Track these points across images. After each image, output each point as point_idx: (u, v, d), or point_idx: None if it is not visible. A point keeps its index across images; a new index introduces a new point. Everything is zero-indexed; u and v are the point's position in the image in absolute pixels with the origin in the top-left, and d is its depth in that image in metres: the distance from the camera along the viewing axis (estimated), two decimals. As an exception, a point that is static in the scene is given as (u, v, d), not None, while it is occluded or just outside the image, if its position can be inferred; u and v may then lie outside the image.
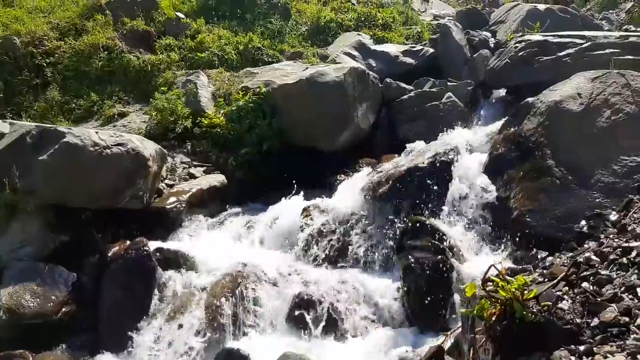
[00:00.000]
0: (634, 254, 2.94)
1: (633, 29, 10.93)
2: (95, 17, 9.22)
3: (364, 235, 5.43)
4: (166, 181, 6.55)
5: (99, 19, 9.16)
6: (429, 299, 4.40)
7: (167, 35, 9.45)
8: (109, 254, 4.92)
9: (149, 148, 5.78)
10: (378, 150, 7.74)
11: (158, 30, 9.52)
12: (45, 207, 5.25)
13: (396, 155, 6.90)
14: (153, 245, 5.05)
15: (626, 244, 3.07)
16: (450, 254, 4.58)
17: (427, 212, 5.27)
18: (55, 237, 5.27)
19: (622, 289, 2.73)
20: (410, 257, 4.55)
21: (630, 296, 2.65)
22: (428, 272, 4.42)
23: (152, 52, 9.12)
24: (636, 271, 2.79)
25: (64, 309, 4.70)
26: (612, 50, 6.90)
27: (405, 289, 4.53)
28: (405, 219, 5.19)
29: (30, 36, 8.55)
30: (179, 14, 9.96)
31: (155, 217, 5.85)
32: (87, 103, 8.06)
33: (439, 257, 4.49)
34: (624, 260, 2.93)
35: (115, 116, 7.86)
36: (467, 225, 5.12)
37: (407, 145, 6.92)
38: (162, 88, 8.07)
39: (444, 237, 4.71)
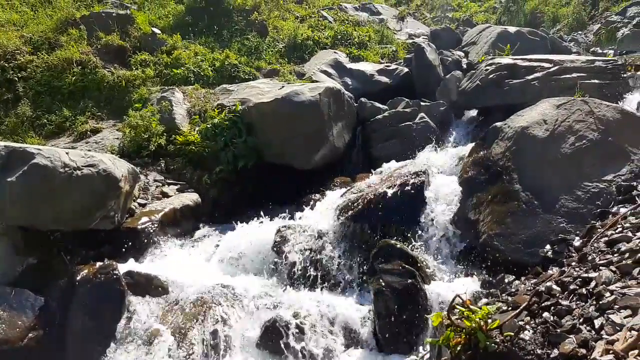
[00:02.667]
0: (592, 284, 3.03)
1: (600, 51, 11.33)
2: (70, 31, 9.15)
3: (337, 257, 5.45)
4: (138, 200, 6.47)
5: (73, 34, 9.09)
6: (399, 322, 4.43)
7: (142, 51, 9.42)
8: (78, 278, 4.81)
9: (120, 168, 5.72)
10: (353, 169, 7.85)
11: (133, 46, 9.48)
12: (12, 229, 5.16)
13: (371, 174, 7.00)
14: (123, 268, 4.98)
15: (585, 275, 3.16)
16: (421, 277, 4.63)
17: (399, 235, 5.34)
18: (22, 260, 5.17)
19: (581, 320, 2.81)
20: (381, 280, 4.58)
21: (588, 328, 2.73)
22: (399, 296, 4.46)
23: (127, 67, 9.08)
24: (594, 302, 2.88)
25: (30, 335, 4.58)
26: (578, 74, 7.15)
27: (376, 312, 4.55)
28: (377, 241, 5.25)
29: (1, 50, 8.41)
30: (155, 29, 9.94)
31: (127, 238, 5.77)
32: (59, 119, 7.97)
33: (410, 280, 4.53)
34: (583, 290, 3.03)
35: (88, 132, 7.79)
36: (438, 248, 5.20)
37: (382, 165, 7.07)
38: (136, 105, 8.04)
39: (415, 260, 4.78)
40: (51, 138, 7.78)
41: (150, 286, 4.92)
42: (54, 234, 5.42)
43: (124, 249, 5.66)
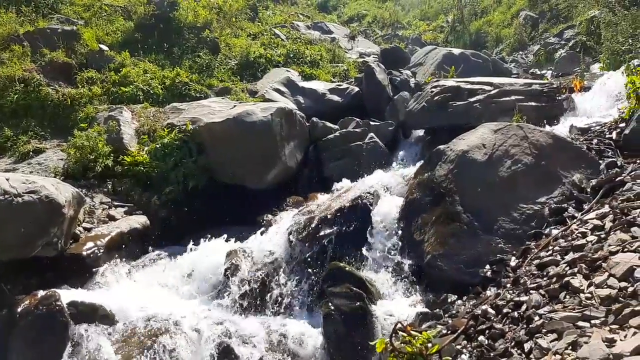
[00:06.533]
0: (523, 308, 3.22)
1: (539, 72, 11.96)
2: (12, 48, 8.84)
3: (288, 280, 5.50)
4: (84, 224, 6.29)
5: (17, 50, 8.80)
6: (349, 345, 4.50)
7: (89, 68, 9.22)
8: (19, 309, 4.64)
9: (64, 193, 5.56)
10: (305, 188, 7.94)
11: (80, 63, 9.27)
12: (-53, 259, 4.92)
13: (322, 193, 7.12)
14: (66, 297, 4.83)
15: (517, 298, 3.35)
16: (369, 299, 4.74)
17: (348, 256, 5.44)
18: (-41, 292, 4.93)
19: (513, 343, 2.98)
20: (330, 304, 4.65)
21: (519, 351, 2.90)
22: (347, 319, 4.54)
23: (72, 85, 8.85)
24: (525, 326, 3.06)
25: (-35, 372, 4.39)
26: (517, 97, 7.55)
27: (326, 336, 4.62)
28: (327, 263, 5.34)
29: (-63, 67, 8.04)
30: (102, 46, 9.75)
31: (71, 264, 5.60)
32: (0, 139, 7.66)
33: (358, 303, 4.63)
34: (515, 314, 3.21)
35: (31, 153, 7.54)
36: (385, 269, 5.33)
37: (333, 184, 7.21)
38: (82, 124, 7.85)
39: (363, 282, 4.88)
40: (-9, 159, 7.48)
41: (95, 316, 4.79)
42: (-7, 263, 5.20)
43: (68, 276, 5.49)
